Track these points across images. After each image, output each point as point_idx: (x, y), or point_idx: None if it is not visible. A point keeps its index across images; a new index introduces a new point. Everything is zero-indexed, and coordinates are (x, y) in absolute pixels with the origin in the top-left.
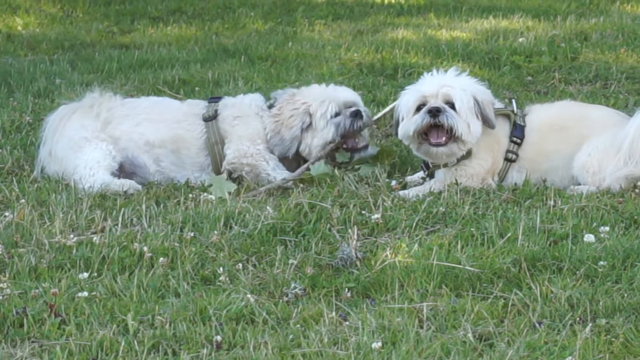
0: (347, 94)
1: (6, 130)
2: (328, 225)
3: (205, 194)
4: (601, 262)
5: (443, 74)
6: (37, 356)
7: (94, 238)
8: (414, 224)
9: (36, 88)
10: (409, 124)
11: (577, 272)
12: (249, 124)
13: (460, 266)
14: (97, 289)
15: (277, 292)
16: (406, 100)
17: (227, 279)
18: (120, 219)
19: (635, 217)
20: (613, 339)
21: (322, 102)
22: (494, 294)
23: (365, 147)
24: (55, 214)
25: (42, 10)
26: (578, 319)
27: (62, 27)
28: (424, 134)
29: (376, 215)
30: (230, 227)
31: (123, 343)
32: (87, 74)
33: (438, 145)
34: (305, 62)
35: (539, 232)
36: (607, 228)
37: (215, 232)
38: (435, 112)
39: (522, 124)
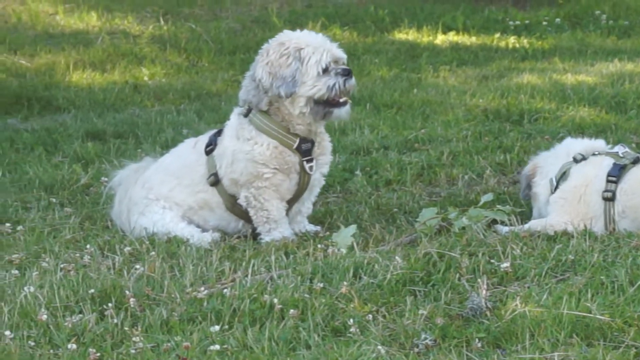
0: (338, 49)
1: None
2: (457, 275)
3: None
4: None
5: None
6: None
7: (224, 290)
8: (543, 273)
9: (163, 139)
10: None
11: None
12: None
13: (591, 315)
14: (228, 341)
15: (407, 343)
16: None
17: (358, 330)
18: (250, 270)
19: None
20: None
21: (316, 49)
22: (626, 343)
23: (345, 102)
24: (185, 266)
25: (168, 61)
26: None
27: (188, 77)
28: None
29: (505, 264)
30: (360, 278)
31: None
32: (214, 123)
33: None
34: (430, 108)
35: None
36: None
37: (345, 282)
38: None
39: (620, 163)
